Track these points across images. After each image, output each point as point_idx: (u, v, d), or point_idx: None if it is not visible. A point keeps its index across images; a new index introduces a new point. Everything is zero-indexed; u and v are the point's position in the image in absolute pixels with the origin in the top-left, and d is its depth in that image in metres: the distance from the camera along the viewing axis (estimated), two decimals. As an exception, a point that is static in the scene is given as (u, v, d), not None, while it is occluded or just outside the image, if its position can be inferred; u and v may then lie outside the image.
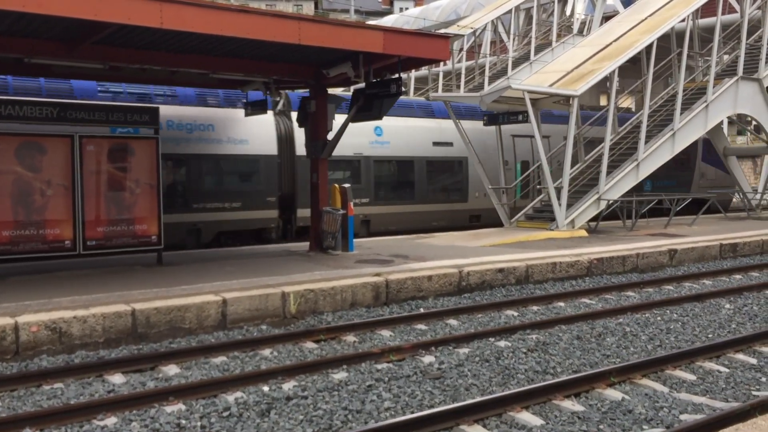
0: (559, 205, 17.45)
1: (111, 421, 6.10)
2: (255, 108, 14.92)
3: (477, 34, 31.37)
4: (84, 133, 11.41)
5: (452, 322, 9.92)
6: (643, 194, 21.47)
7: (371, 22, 42.60)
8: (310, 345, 8.68)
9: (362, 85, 12.94)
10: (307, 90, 14.47)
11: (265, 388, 6.93)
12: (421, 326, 9.65)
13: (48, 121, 11.14)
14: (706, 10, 21.94)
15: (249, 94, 15.27)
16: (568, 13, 33.73)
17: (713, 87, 20.46)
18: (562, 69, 18.48)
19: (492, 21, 31.44)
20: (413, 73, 30.89)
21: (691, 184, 26.17)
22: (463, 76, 30.69)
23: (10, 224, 10.73)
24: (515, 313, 10.46)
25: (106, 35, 10.07)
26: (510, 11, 31.28)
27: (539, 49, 30.25)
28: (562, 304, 11.14)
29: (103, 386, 7.07)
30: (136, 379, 7.32)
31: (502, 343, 8.58)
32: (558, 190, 17.52)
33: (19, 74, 12.44)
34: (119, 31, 9.88)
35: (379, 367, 7.65)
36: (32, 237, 10.90)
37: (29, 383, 7.08)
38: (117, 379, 7.32)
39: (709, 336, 9.07)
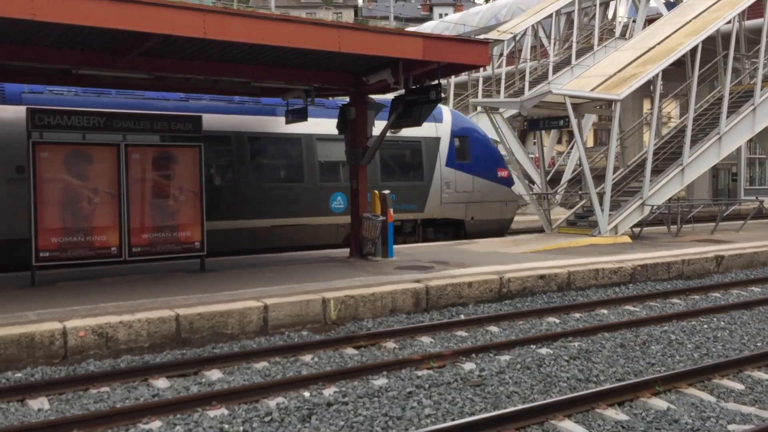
0: (602, 210, 17.21)
1: (156, 425, 6.20)
2: (296, 115, 15.05)
3: (517, 39, 31.17)
4: (129, 142, 11.66)
5: (493, 328, 9.85)
6: (691, 200, 20.88)
7: (410, 28, 42.68)
8: (350, 351, 8.70)
9: (401, 91, 12.97)
10: (347, 97, 14.56)
11: (306, 394, 6.97)
12: (462, 333, 9.61)
13: (95, 130, 11.42)
14: (753, 11, 21.47)
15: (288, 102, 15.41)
16: (610, 16, 33.33)
17: (761, 89, 19.97)
18: (604, 73, 18.25)
19: (532, 26, 31.25)
20: (453, 79, 30.84)
21: (426, 198, 17.77)
22: (503, 82, 30.57)
23: (59, 231, 11.00)
24: (557, 320, 10.34)
25: (150, 46, 10.28)
26: (551, 15, 31.06)
27: (580, 53, 29.97)
28: (605, 311, 10.98)
29: (148, 390, 7.20)
30: (180, 384, 7.43)
31: (544, 351, 8.48)
32: (600, 196, 17.28)
33: (67, 85, 12.75)
34: (163, 41, 10.07)
35: (419, 373, 7.64)
36: (80, 244, 11.16)
37: (77, 387, 7.24)
38: (161, 383, 7.44)
39: (758, 345, 8.84)
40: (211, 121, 14.50)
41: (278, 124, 15.81)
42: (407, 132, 16.85)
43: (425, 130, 17.43)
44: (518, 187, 20.69)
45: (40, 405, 6.77)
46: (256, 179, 15.53)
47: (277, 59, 11.97)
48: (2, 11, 7.99)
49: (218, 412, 6.48)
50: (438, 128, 18.12)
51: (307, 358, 8.39)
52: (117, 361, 8.20)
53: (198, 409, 6.53)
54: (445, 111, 18.72)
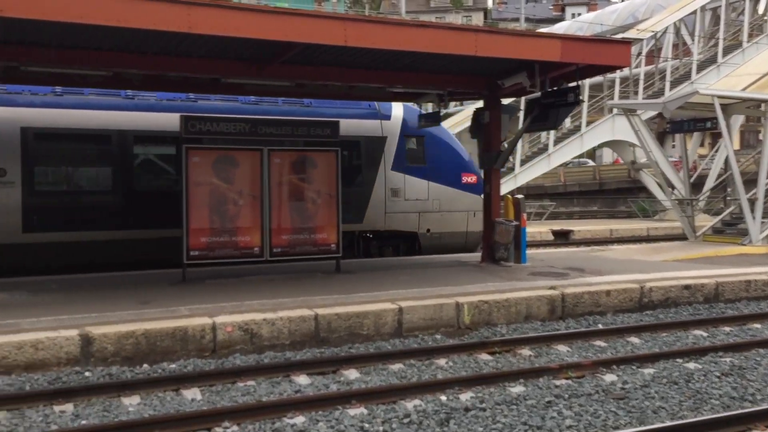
0: (753, 218, 16.11)
1: (299, 419, 6.42)
2: (428, 120, 15.14)
3: (658, 37, 29.83)
4: (272, 147, 12.17)
5: (634, 340, 9.46)
6: None
7: (542, 29, 41.86)
8: (484, 357, 8.64)
9: (537, 94, 12.74)
10: (480, 101, 14.49)
11: (443, 398, 6.99)
12: (600, 343, 9.29)
13: (241, 135, 12.01)
14: None
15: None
16: (760, 11, 31.15)
17: None
18: (756, 72, 17.14)
19: (674, 23, 29.78)
20: (587, 81, 29.93)
21: (366, 207, 15.35)
22: (641, 82, 29.34)
23: (207, 231, 11.65)
24: (704, 334, 9.78)
25: (292, 55, 10.69)
26: (694, 12, 29.47)
27: (728, 50, 28.22)
28: (758, 325, 10.27)
29: (291, 386, 7.47)
30: (319, 381, 7.67)
31: (692, 365, 8.04)
32: (752, 202, 16.19)
33: (216, 93, 13.48)
34: (305, 50, 10.44)
35: (557, 383, 7.46)
36: (226, 243, 11.76)
37: (225, 380, 7.63)
38: (303, 380, 7.70)
39: None
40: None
41: None
42: (344, 129, 13.88)
43: (365, 127, 15.42)
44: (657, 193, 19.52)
45: (192, 395, 7.19)
46: None
47: (411, 64, 12.10)
48: (162, 25, 8.58)
49: (358, 410, 6.62)
50: (384, 126, 15.69)
51: (442, 362, 8.40)
52: (261, 356, 8.57)
53: (338, 407, 6.70)
54: (396, 107, 16.11)
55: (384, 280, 11.73)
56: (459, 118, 31.22)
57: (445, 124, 22.83)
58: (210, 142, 12.44)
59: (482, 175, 14.51)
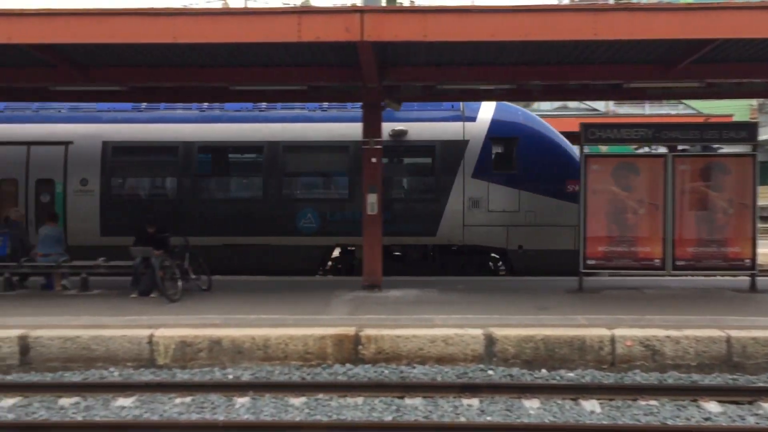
0: None
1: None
2: None
3: None
4: (677, 153, 11.43)
5: None
6: None
7: None
8: None
9: None
10: None
11: None
12: None
13: (642, 141, 11.54)
14: None
15: None
16: None
17: None
18: None
19: None
20: None
21: (440, 219, 13.88)
22: None
23: (605, 240, 11.42)
24: None
25: (705, 53, 9.87)
26: None
27: None
28: None
29: (699, 412, 6.87)
30: (732, 411, 6.91)
31: None
32: None
33: (619, 99, 13.18)
34: (721, 46, 9.56)
35: None
36: (624, 253, 11.38)
37: (625, 395, 7.33)
38: (712, 407, 7.02)
39: None
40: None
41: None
42: (418, 134, 13.97)
43: (445, 130, 14.06)
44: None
45: (591, 407, 7.06)
46: None
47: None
48: (569, 35, 8.66)
49: (783, 453, 5.79)
50: (466, 128, 14.11)
51: None
52: (663, 375, 8.06)
53: (758, 445, 5.95)
54: (484, 107, 14.38)
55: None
56: None
57: None
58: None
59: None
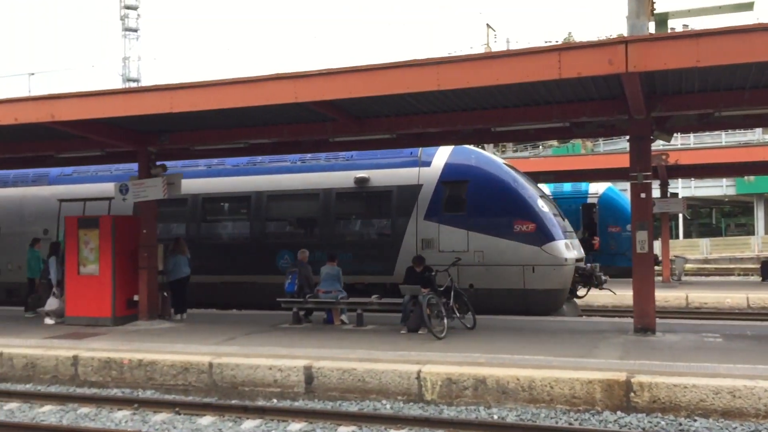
0: None
1: None
2: None
3: None
4: None
5: None
6: None
7: None
8: None
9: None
10: None
11: None
12: None
13: None
14: None
15: None
16: None
17: None
18: None
19: None
20: None
21: (396, 258, 14.84)
22: None
23: None
24: None
25: None
26: None
27: None
28: None
29: None
30: None
31: None
32: None
33: None
34: None
35: None
36: None
37: None
38: None
39: None
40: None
41: None
42: (379, 180, 15.46)
43: (401, 176, 15.31)
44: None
45: None
46: None
47: None
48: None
49: None
50: (421, 173, 15.23)
51: None
52: None
53: None
54: (440, 151, 15.37)
55: None
56: None
57: None
58: None
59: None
